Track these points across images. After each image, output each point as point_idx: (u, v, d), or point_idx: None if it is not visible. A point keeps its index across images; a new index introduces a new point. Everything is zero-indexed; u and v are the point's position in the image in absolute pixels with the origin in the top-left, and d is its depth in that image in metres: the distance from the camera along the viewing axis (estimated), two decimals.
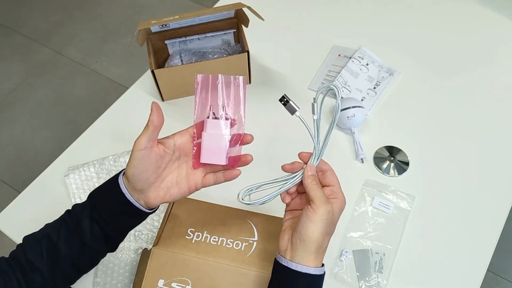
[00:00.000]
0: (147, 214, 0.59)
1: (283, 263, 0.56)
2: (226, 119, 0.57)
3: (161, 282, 0.65)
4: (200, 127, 0.58)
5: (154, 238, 0.70)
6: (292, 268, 0.55)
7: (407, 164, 0.85)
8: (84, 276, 0.74)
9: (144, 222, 0.78)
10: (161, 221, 0.74)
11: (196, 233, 0.69)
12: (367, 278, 0.73)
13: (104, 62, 2.11)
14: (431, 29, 1.07)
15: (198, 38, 0.96)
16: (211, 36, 0.97)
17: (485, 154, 0.86)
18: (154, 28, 0.91)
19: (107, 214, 0.57)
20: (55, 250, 0.58)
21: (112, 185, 0.57)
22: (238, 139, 0.58)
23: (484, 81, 0.97)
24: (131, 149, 0.55)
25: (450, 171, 0.84)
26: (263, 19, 0.85)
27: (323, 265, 0.57)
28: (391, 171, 0.84)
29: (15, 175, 1.77)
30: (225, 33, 0.97)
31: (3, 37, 2.24)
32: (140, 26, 0.84)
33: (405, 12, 1.11)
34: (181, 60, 0.97)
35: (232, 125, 0.58)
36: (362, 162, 0.86)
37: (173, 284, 0.64)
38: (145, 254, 0.68)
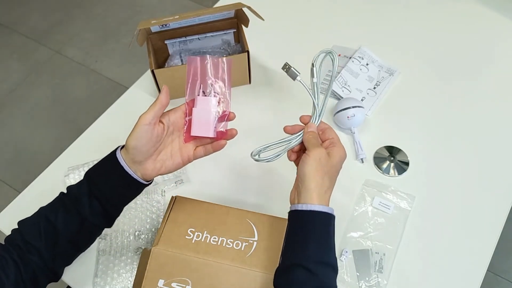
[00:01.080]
0: (144, 186, 0.63)
1: (291, 209, 0.60)
2: (214, 96, 0.63)
3: (161, 282, 0.65)
4: (191, 104, 0.64)
5: (154, 238, 0.70)
6: (298, 208, 0.58)
7: (407, 164, 0.85)
8: (84, 276, 0.75)
9: (144, 222, 0.79)
10: (161, 221, 0.74)
11: (196, 233, 0.69)
12: (367, 278, 0.73)
13: (104, 62, 2.11)
14: (431, 29, 1.07)
15: (198, 38, 0.96)
16: (211, 36, 0.97)
17: (485, 154, 0.86)
18: (154, 28, 0.91)
19: (106, 189, 0.61)
20: (54, 229, 0.61)
21: (109, 161, 0.61)
22: (225, 116, 0.64)
23: (484, 81, 0.97)
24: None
25: (450, 171, 0.84)
26: (263, 19, 0.85)
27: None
28: (391, 171, 0.84)
29: (15, 175, 1.77)
30: (225, 33, 0.97)
31: (2, 37, 2.24)
32: (140, 26, 0.84)
33: (405, 12, 1.11)
34: (181, 60, 0.97)
35: (219, 102, 0.64)
36: (362, 162, 0.86)
37: (173, 284, 0.64)
38: (145, 254, 0.68)
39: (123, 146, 0.61)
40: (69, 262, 0.67)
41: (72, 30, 2.24)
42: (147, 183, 0.63)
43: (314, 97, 0.65)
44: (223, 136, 0.65)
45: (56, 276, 0.65)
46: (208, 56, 0.63)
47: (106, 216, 0.63)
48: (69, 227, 0.61)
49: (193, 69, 0.63)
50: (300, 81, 0.68)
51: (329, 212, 0.58)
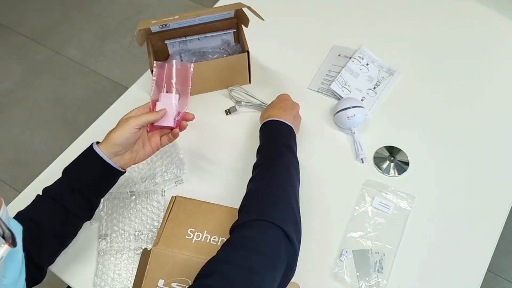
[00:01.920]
0: (122, 174, 0.72)
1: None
2: (176, 94, 0.74)
3: (161, 282, 0.65)
4: (155, 101, 0.74)
5: (154, 238, 0.70)
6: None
7: (407, 164, 0.85)
8: (84, 276, 0.75)
9: (144, 222, 0.79)
10: (161, 221, 0.74)
11: (196, 233, 0.69)
12: (367, 278, 0.73)
13: (104, 62, 2.11)
14: (431, 29, 1.07)
15: (198, 38, 0.96)
16: (211, 36, 0.96)
17: (485, 154, 0.86)
18: (154, 28, 0.91)
19: (87, 182, 0.69)
20: (39, 227, 0.66)
21: (89, 157, 0.69)
22: (184, 113, 0.75)
23: (484, 80, 0.97)
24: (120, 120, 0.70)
25: (450, 171, 0.84)
26: (263, 19, 0.85)
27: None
28: (391, 171, 0.84)
29: (15, 175, 1.77)
30: (225, 33, 0.97)
31: (2, 37, 2.24)
32: (140, 26, 0.84)
33: (405, 12, 1.11)
34: (181, 60, 0.97)
35: (179, 98, 0.74)
36: (362, 162, 0.86)
37: (173, 284, 0.64)
38: (145, 254, 0.68)
39: (97, 142, 0.69)
40: (53, 259, 0.71)
41: (72, 30, 2.24)
42: (124, 171, 0.72)
43: None
44: (179, 125, 0.74)
45: (42, 275, 0.68)
46: (174, 61, 0.75)
47: (88, 208, 0.70)
48: (54, 223, 0.67)
49: (159, 72, 0.75)
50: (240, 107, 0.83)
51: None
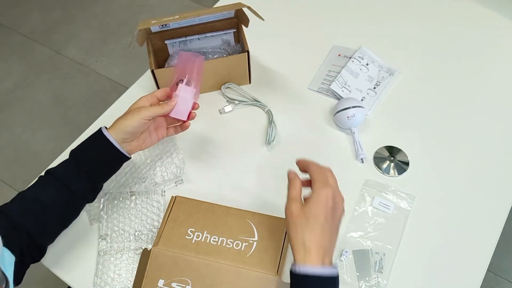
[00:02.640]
0: (128, 160, 0.74)
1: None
2: (194, 88, 0.75)
3: (161, 282, 0.65)
4: (173, 89, 0.75)
5: (154, 238, 0.70)
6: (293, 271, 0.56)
7: (407, 164, 0.85)
8: (84, 276, 0.75)
9: (144, 222, 0.79)
10: (161, 221, 0.74)
11: (196, 233, 0.69)
12: (367, 278, 0.73)
13: (104, 62, 2.11)
14: (431, 29, 1.07)
15: (198, 38, 0.96)
16: (211, 36, 0.97)
17: (485, 154, 0.86)
18: (154, 28, 0.91)
19: (94, 165, 0.70)
20: (43, 207, 0.67)
21: (97, 140, 0.70)
22: (195, 104, 0.76)
23: (484, 80, 0.97)
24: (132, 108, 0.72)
25: (450, 171, 0.84)
26: (263, 19, 0.85)
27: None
28: (391, 171, 0.84)
29: (15, 175, 1.77)
30: (225, 33, 0.97)
31: (2, 37, 2.24)
32: (140, 26, 0.84)
33: (405, 12, 1.11)
34: None
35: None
36: (362, 162, 0.86)
37: (173, 284, 0.64)
38: (145, 254, 0.68)
39: (104, 128, 0.71)
40: (53, 239, 0.72)
41: (72, 30, 2.24)
42: (130, 157, 0.74)
43: None
44: (189, 119, 0.76)
45: (41, 254, 0.71)
46: (199, 55, 0.76)
47: (92, 190, 0.72)
48: (58, 204, 0.68)
49: (184, 63, 0.76)
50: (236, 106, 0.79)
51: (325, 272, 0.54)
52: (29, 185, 0.70)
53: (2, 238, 0.59)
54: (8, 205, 0.67)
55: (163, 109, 0.72)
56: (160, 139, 0.78)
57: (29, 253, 0.66)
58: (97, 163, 0.71)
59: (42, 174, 0.71)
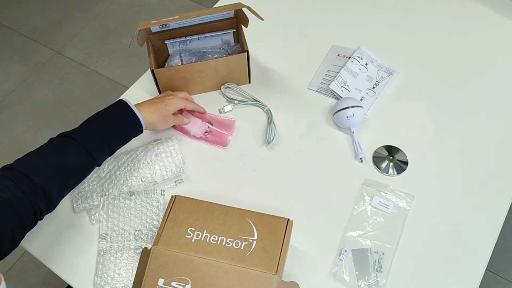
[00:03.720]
0: (141, 133, 0.81)
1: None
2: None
3: (161, 281, 0.65)
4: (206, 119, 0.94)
5: (154, 237, 0.71)
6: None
7: (406, 163, 0.85)
8: (84, 275, 0.75)
9: (144, 221, 0.79)
10: (161, 220, 0.75)
11: (196, 233, 0.69)
12: (366, 277, 0.73)
13: (104, 62, 2.11)
14: (431, 29, 1.07)
15: (198, 38, 0.96)
16: (211, 36, 0.97)
17: (484, 153, 0.86)
18: (154, 28, 0.92)
19: (120, 138, 0.77)
20: (67, 174, 0.70)
21: (127, 117, 0.78)
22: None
23: (484, 80, 0.97)
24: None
25: (449, 170, 0.85)
26: (262, 19, 0.85)
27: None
28: (390, 170, 0.85)
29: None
30: (224, 33, 0.97)
31: (3, 37, 2.24)
32: (140, 26, 0.85)
33: (404, 12, 1.11)
34: (181, 60, 0.97)
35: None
36: (361, 161, 0.86)
37: (173, 283, 0.65)
38: (145, 253, 0.68)
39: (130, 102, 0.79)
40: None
41: (72, 30, 2.25)
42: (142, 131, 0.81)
43: None
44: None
45: (52, 209, 0.70)
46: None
47: (108, 156, 0.76)
48: (80, 171, 0.72)
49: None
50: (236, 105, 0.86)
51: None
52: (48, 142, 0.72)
53: (21, 201, 0.62)
54: (33, 169, 0.67)
55: (184, 123, 0.90)
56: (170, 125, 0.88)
57: (40, 212, 0.67)
58: (124, 136, 0.77)
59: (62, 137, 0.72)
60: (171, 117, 0.85)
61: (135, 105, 0.80)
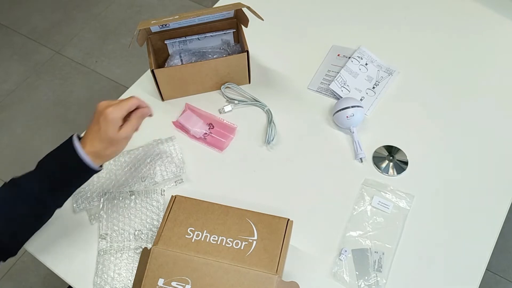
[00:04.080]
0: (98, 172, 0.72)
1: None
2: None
3: (161, 281, 0.65)
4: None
5: (154, 237, 0.71)
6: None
7: (406, 163, 0.85)
8: (84, 275, 0.75)
9: (144, 221, 0.79)
10: (161, 220, 0.75)
11: (196, 233, 0.69)
12: (366, 277, 0.73)
13: (104, 62, 2.11)
14: (430, 29, 1.07)
15: (198, 38, 0.96)
16: (211, 36, 0.97)
17: (484, 153, 0.86)
18: (154, 28, 0.92)
19: (70, 185, 0.71)
20: (21, 227, 0.68)
21: (72, 159, 0.68)
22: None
23: (484, 80, 0.97)
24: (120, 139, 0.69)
25: (449, 170, 0.85)
26: (262, 19, 0.85)
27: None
28: (390, 170, 0.85)
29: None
30: (224, 33, 0.97)
31: (3, 37, 2.24)
32: (140, 26, 0.85)
33: (404, 12, 1.11)
34: (181, 60, 0.97)
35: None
36: (361, 161, 0.86)
37: (173, 283, 0.65)
38: (145, 253, 0.68)
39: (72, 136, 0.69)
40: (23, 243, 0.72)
41: (72, 31, 2.24)
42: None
43: None
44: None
45: (10, 255, 0.69)
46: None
47: (66, 199, 0.72)
48: (36, 218, 0.70)
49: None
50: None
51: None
52: None
53: None
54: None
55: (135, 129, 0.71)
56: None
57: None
58: (74, 183, 0.71)
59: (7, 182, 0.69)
60: (120, 135, 0.68)
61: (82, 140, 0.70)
